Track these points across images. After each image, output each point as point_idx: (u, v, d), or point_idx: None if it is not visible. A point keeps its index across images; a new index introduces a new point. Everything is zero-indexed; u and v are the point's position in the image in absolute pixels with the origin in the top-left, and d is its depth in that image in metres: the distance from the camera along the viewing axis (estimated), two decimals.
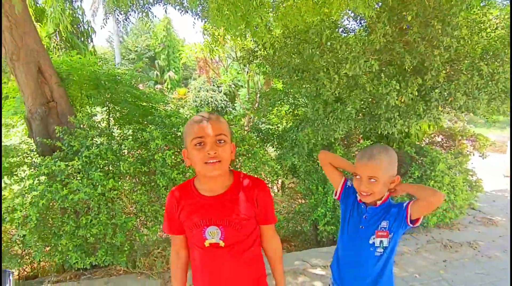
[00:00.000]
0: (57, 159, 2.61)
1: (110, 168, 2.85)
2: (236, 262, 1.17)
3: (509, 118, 4.20)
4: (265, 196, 1.20)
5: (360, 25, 3.86)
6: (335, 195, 1.52)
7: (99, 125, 3.27)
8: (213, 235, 1.14)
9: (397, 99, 2.94)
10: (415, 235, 3.87)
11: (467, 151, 4.62)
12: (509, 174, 6.77)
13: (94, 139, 2.89)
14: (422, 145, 4.21)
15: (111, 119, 4.08)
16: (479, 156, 4.51)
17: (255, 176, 3.72)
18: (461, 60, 2.99)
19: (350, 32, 4.17)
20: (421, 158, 4.03)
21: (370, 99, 3.32)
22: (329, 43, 2.95)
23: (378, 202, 1.35)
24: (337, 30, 3.26)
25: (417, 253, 3.46)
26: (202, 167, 1.07)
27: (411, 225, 1.31)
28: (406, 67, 2.87)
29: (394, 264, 3.20)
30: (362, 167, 1.29)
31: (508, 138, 7.09)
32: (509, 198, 5.17)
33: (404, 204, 1.31)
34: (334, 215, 3.67)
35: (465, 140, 4.79)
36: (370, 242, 1.34)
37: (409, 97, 2.88)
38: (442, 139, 5.02)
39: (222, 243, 1.14)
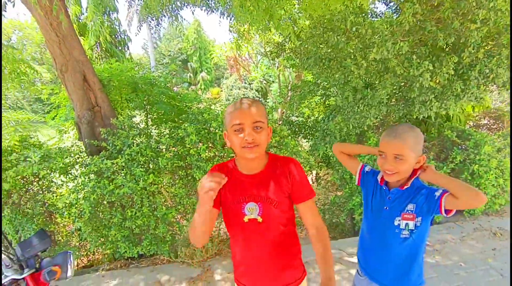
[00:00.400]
0: (103, 158, 2.86)
1: (150, 164, 3.06)
2: (273, 237, 1.22)
3: None
4: (298, 170, 1.22)
5: (388, 8, 3.72)
6: (356, 182, 1.53)
7: (138, 126, 3.51)
8: (251, 211, 1.20)
9: (430, 81, 2.81)
10: (460, 223, 3.67)
11: None
12: None
13: (134, 138, 3.12)
14: (466, 129, 3.95)
15: (149, 119, 4.35)
16: None
17: None
18: (501, 33, 2.77)
19: (379, 16, 4.03)
20: (464, 141, 3.80)
21: (402, 83, 3.20)
22: (354, 29, 2.89)
23: (405, 186, 1.31)
24: (363, 15, 3.17)
25: (462, 241, 3.28)
26: (241, 150, 1.14)
27: (445, 215, 1.24)
28: (441, 46, 2.73)
29: (436, 252, 3.09)
30: (387, 144, 1.26)
31: None
32: None
33: (437, 194, 1.24)
34: None
35: None
36: (395, 223, 1.31)
37: (445, 77, 2.73)
38: (488, 121, 4.68)
39: (260, 219, 1.19)
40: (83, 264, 3.80)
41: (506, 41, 2.73)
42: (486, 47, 2.77)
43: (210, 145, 3.21)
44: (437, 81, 2.80)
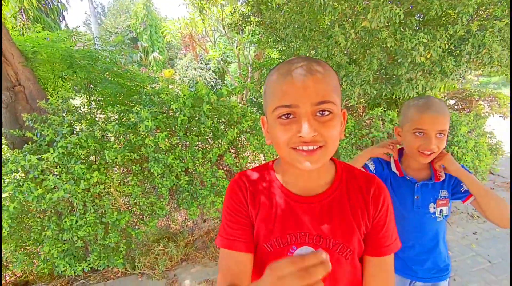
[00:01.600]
0: (26, 153, 2.16)
1: (94, 158, 2.42)
2: None
3: None
4: (385, 202, 0.74)
5: None
6: None
7: (78, 110, 2.80)
8: None
9: (422, 55, 2.53)
10: None
11: (485, 112, 4.28)
12: None
13: (72, 126, 2.45)
14: None
15: (92, 102, 3.60)
16: (500, 116, 4.17)
17: (261, 155, 3.35)
18: (495, 4, 2.55)
19: None
20: None
21: (387, 59, 2.89)
22: None
23: (440, 177, 1.21)
24: None
25: None
26: (290, 154, 0.64)
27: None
28: (433, 16, 2.43)
29: None
30: (430, 120, 1.09)
31: None
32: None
33: (462, 190, 1.19)
34: None
35: (482, 100, 4.44)
36: (431, 211, 1.22)
37: (438, 51, 2.46)
38: (456, 101, 4.67)
39: None
40: (15, 278, 3.07)
41: (499, 13, 2.51)
42: (478, 20, 2.53)
43: (170, 132, 2.65)
44: (429, 55, 2.52)
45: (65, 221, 2.18)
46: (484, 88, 4.64)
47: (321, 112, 0.62)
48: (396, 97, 3.26)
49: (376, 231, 0.73)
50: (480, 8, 2.60)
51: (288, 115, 0.62)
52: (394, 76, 3.07)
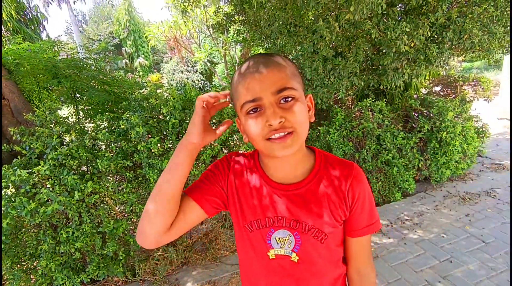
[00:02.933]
0: (16, 167, 2.13)
1: (86, 168, 2.40)
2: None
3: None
4: (363, 186, 0.77)
5: None
6: None
7: (66, 120, 2.75)
8: (282, 243, 0.76)
9: (406, 44, 2.57)
10: (429, 192, 3.65)
11: (470, 97, 4.38)
12: (503, 117, 6.69)
13: (61, 137, 2.41)
14: (427, 97, 3.90)
15: (80, 112, 3.55)
16: (484, 99, 4.27)
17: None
18: None
19: None
20: (427, 110, 3.75)
21: (372, 50, 2.93)
22: None
23: None
24: None
25: (437, 210, 3.24)
26: (265, 145, 0.68)
27: None
28: (414, 5, 2.47)
29: (417, 226, 2.99)
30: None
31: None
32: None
33: None
34: None
35: (466, 85, 4.53)
36: None
37: (421, 39, 2.50)
38: (441, 87, 4.75)
39: (295, 257, 0.75)
40: None
41: None
42: (458, 7, 2.58)
43: (162, 136, 2.63)
44: (413, 44, 2.56)
45: (61, 234, 2.16)
46: (468, 73, 4.73)
47: (284, 99, 0.66)
48: (383, 87, 3.31)
49: (355, 216, 0.77)
50: None
51: (256, 109, 0.66)
52: (380, 66, 3.11)
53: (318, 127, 3.62)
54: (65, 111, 3.59)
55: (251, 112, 0.67)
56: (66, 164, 2.21)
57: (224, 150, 2.91)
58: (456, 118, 3.82)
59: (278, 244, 0.75)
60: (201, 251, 2.91)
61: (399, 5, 2.77)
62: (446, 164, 3.59)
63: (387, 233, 2.89)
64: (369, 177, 3.41)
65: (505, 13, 2.63)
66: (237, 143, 2.91)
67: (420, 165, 3.52)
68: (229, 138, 2.89)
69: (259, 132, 0.66)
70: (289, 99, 0.66)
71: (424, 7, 2.69)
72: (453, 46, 2.77)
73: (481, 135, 4.18)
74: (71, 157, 2.23)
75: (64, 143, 2.48)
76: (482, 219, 3.01)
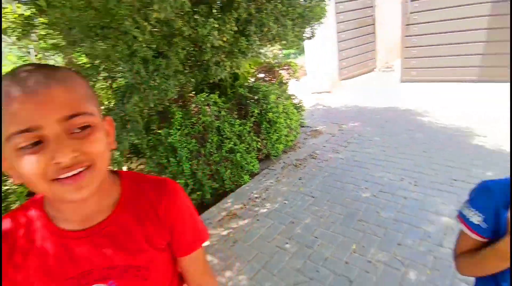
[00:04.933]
0: None
1: None
2: None
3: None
4: (178, 206, 0.71)
5: None
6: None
7: None
8: None
9: (218, 39, 2.73)
10: (271, 167, 4.16)
11: (285, 79, 5.19)
12: (314, 92, 8.30)
13: None
14: (254, 84, 4.36)
15: None
16: (296, 80, 5.13)
17: None
18: None
19: None
20: (255, 95, 4.20)
21: (193, 46, 2.98)
22: None
23: None
24: None
25: (278, 181, 3.73)
26: (52, 188, 0.51)
27: None
28: (222, 1, 2.64)
29: (264, 200, 3.35)
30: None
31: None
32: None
33: None
34: (196, 181, 3.41)
35: (281, 70, 5.34)
36: None
37: (231, 34, 2.71)
38: (264, 74, 5.42)
39: None
40: None
41: None
42: (256, 4, 2.92)
43: None
44: (225, 39, 2.75)
45: None
46: (287, 59, 5.58)
47: (78, 129, 0.51)
48: (212, 81, 3.46)
49: (178, 236, 0.72)
50: None
51: (37, 142, 0.49)
52: (204, 62, 3.20)
53: (159, 131, 3.49)
54: None
55: (30, 146, 0.48)
56: None
57: None
58: (278, 99, 4.45)
59: None
60: None
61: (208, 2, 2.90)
62: (279, 140, 4.17)
63: (242, 216, 3.12)
64: (218, 168, 3.56)
65: (289, 9, 3.16)
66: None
67: (258, 146, 3.93)
68: None
69: (41, 173, 0.49)
70: (86, 127, 0.52)
71: (231, 5, 2.91)
72: (259, 38, 3.14)
73: (299, 110, 5.05)
74: None
75: None
76: (310, 178, 3.67)
